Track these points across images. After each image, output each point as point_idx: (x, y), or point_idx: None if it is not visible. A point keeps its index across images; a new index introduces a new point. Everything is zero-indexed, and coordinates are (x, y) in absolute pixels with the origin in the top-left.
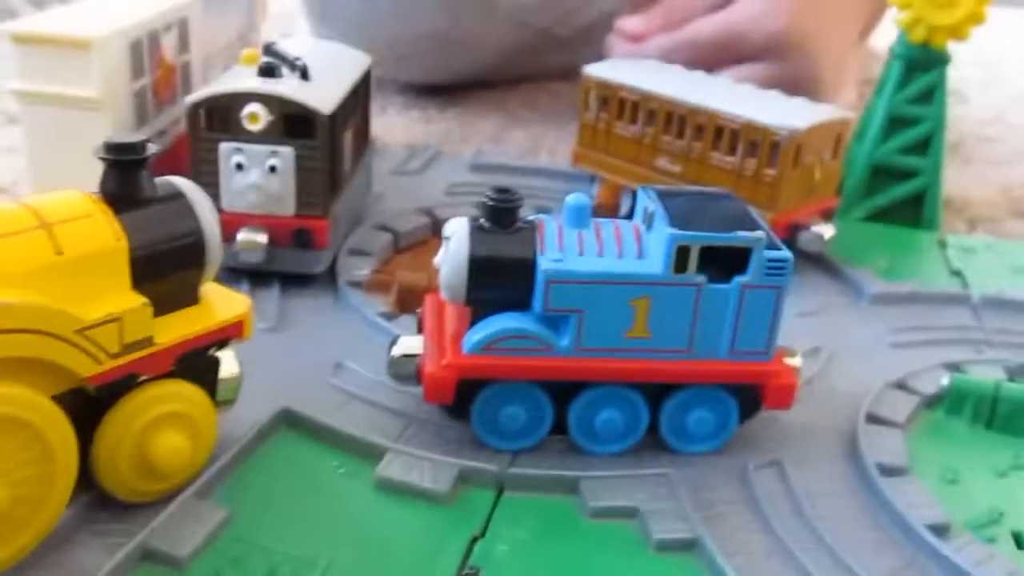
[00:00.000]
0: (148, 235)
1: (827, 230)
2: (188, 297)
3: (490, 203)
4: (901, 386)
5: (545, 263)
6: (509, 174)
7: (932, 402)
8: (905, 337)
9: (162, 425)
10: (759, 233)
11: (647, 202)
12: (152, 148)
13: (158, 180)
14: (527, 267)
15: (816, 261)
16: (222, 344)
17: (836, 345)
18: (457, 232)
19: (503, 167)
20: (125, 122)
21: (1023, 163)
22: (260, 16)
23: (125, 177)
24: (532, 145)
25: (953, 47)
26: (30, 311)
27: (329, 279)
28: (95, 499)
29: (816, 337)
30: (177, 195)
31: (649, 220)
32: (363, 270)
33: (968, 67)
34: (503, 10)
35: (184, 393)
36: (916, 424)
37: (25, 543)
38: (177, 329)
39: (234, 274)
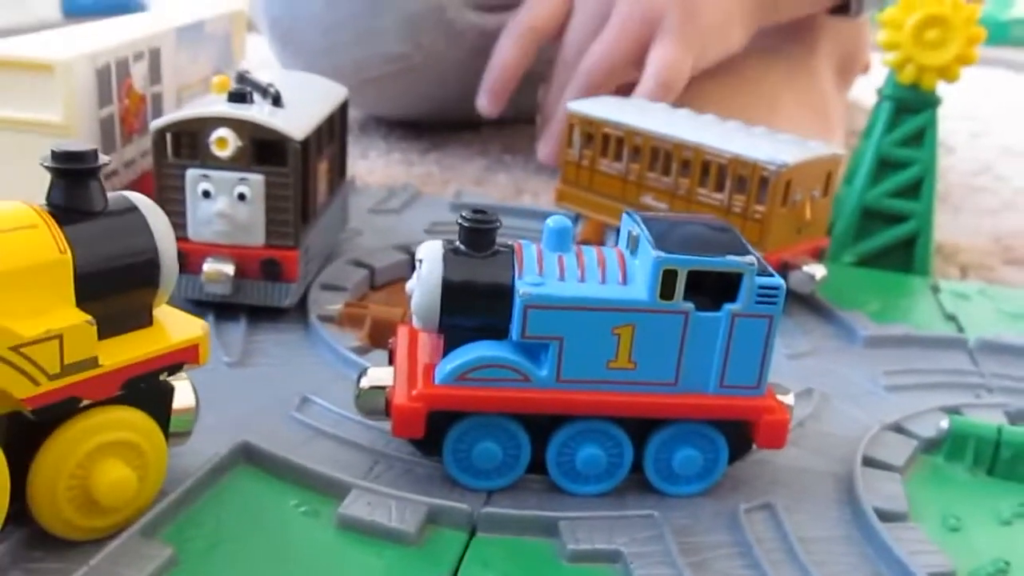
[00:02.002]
0: (96, 249)
1: (818, 270)
2: (139, 318)
3: (465, 224)
4: (898, 429)
5: (523, 287)
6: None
7: (931, 446)
8: (900, 380)
9: (106, 454)
10: (750, 258)
11: (631, 226)
12: (104, 159)
13: (112, 194)
14: (504, 292)
15: (807, 302)
16: (174, 369)
17: (829, 387)
18: (430, 255)
19: (485, 207)
20: None
21: (1013, 213)
22: (238, 52)
23: (73, 188)
24: (515, 188)
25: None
26: None
27: (299, 313)
28: (31, 535)
29: (808, 379)
30: (130, 209)
31: (633, 245)
32: (335, 304)
33: (954, 120)
34: (465, 36)
35: (131, 421)
36: (915, 468)
37: None
38: (125, 351)
39: (199, 307)
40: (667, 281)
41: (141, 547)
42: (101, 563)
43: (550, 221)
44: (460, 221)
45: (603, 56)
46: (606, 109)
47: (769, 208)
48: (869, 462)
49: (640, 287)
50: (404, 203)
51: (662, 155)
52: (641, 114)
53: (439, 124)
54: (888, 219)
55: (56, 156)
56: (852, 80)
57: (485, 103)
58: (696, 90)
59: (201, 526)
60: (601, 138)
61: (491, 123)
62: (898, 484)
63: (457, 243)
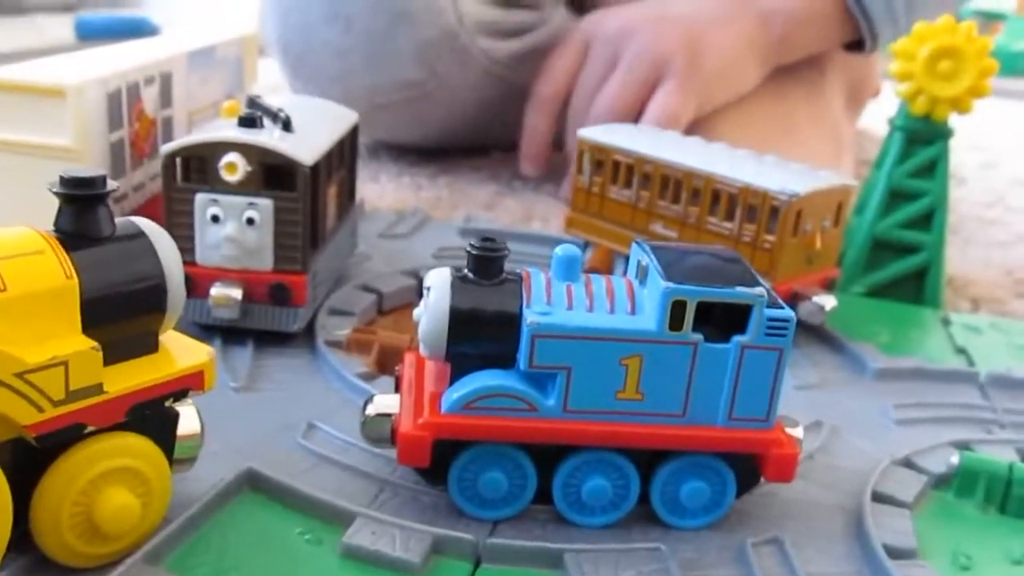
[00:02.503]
0: (103, 275)
1: (828, 301)
2: (146, 344)
3: (474, 252)
4: (908, 464)
5: (531, 316)
6: (499, 239)
7: (941, 482)
8: (910, 414)
9: (110, 481)
10: (760, 290)
11: (641, 256)
12: (112, 184)
13: (120, 220)
14: (512, 321)
15: (816, 333)
16: (180, 395)
17: (838, 420)
18: (437, 283)
19: (493, 232)
20: None
21: None
22: (249, 76)
23: (81, 213)
24: (525, 214)
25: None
26: None
27: (307, 338)
28: (33, 561)
29: (817, 411)
30: (138, 235)
31: (643, 275)
32: (343, 329)
33: (965, 151)
34: (478, 63)
35: (136, 448)
36: (924, 505)
37: None
38: (130, 377)
39: (207, 331)
40: (676, 312)
41: (144, 575)
42: None
43: (559, 250)
44: (468, 249)
45: (612, 101)
46: (616, 136)
47: (779, 238)
48: (878, 497)
49: (649, 317)
50: (413, 228)
51: (672, 183)
52: (652, 142)
53: (450, 150)
54: (899, 250)
55: (64, 182)
56: (862, 106)
57: (528, 168)
58: (712, 113)
59: (205, 553)
60: (611, 165)
61: (501, 148)
62: (907, 520)
63: (465, 271)
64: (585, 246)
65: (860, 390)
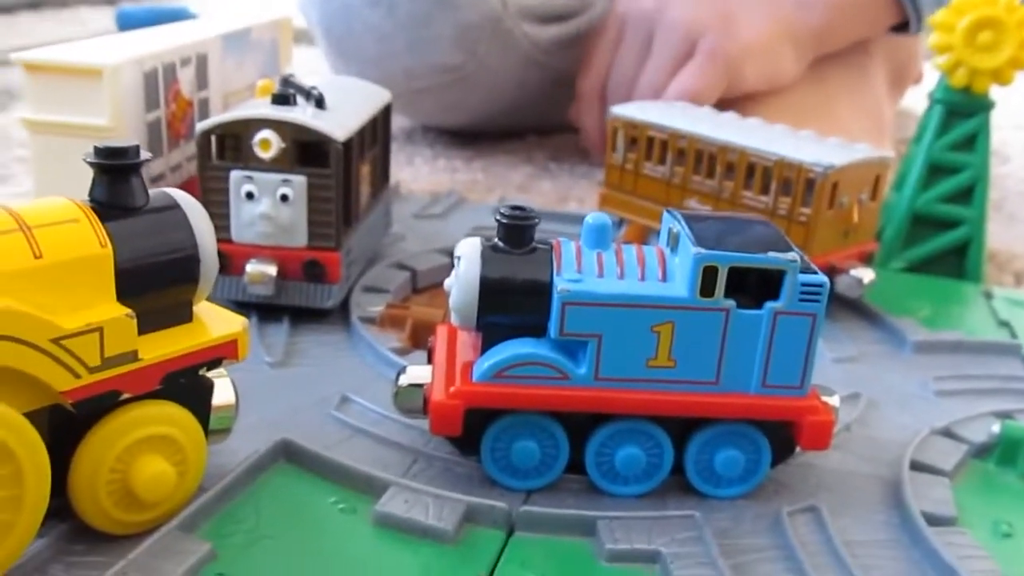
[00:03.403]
0: (136, 245)
1: (866, 274)
2: (180, 314)
3: (503, 221)
4: (947, 434)
5: (561, 284)
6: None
7: (981, 452)
8: (951, 386)
9: (146, 449)
10: (792, 255)
11: (672, 224)
12: (145, 155)
13: (154, 191)
14: (542, 289)
15: (854, 307)
16: (214, 364)
17: (876, 392)
18: (468, 252)
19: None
20: None
21: None
22: (284, 60)
23: (115, 184)
24: (560, 196)
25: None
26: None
27: (341, 315)
28: (72, 528)
29: (855, 384)
30: (171, 205)
31: (674, 242)
32: (377, 306)
33: (1009, 130)
34: (520, 47)
35: (171, 415)
36: (964, 474)
37: None
38: (164, 345)
39: (242, 308)
40: (707, 278)
41: (179, 542)
42: (139, 557)
43: (589, 218)
44: (498, 218)
45: (650, 88)
46: (650, 112)
47: (815, 211)
48: (917, 466)
49: (680, 284)
50: (448, 209)
51: (706, 158)
52: (685, 117)
53: (486, 133)
54: (939, 225)
55: (98, 152)
56: (904, 90)
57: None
58: (748, 100)
59: (240, 522)
60: (645, 141)
61: (537, 132)
62: (947, 489)
63: (495, 240)
64: (620, 223)
65: (899, 363)
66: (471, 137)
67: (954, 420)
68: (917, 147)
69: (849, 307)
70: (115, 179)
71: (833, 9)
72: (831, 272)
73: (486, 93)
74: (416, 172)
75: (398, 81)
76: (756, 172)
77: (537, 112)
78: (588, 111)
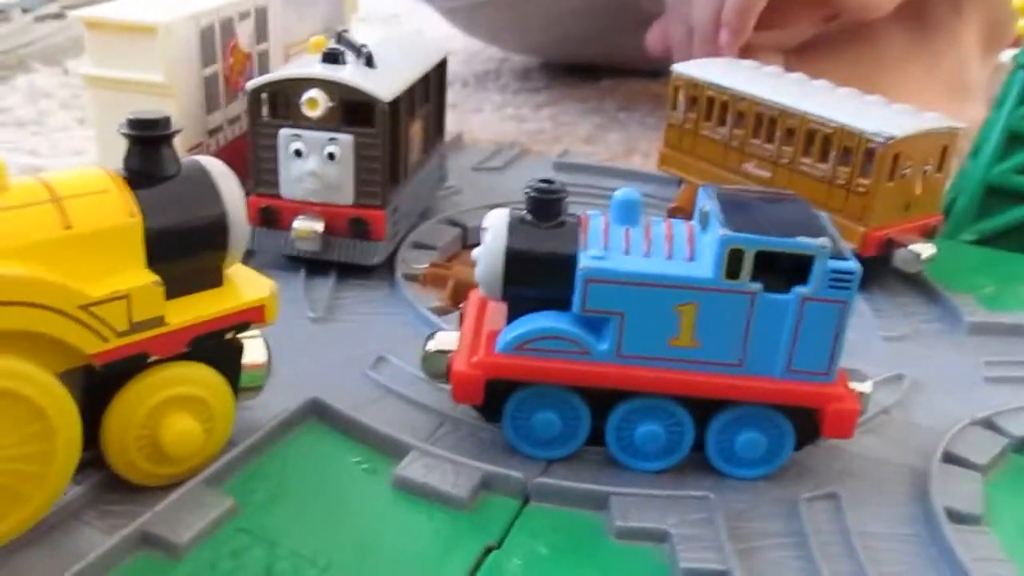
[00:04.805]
0: (165, 213)
1: (925, 249)
2: (210, 278)
3: (532, 194)
4: (989, 424)
5: (584, 260)
6: (594, 174)
7: (1022, 446)
8: (1002, 372)
9: (173, 408)
10: (823, 240)
11: (704, 201)
12: (176, 126)
13: (185, 159)
14: (567, 264)
15: (912, 282)
16: (241, 328)
17: (922, 374)
18: (495, 224)
19: (588, 167)
20: (194, 108)
21: None
22: (349, 7)
23: (147, 154)
24: (626, 148)
25: None
26: (29, 284)
27: (387, 271)
28: (106, 478)
29: (901, 363)
30: (201, 174)
31: (704, 221)
32: (422, 263)
33: None
34: None
35: (198, 377)
36: (999, 468)
37: (23, 519)
38: (192, 310)
39: (293, 262)
40: (733, 260)
41: (204, 496)
42: (165, 509)
43: (618, 193)
44: (527, 191)
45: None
46: (712, 72)
47: (874, 182)
48: (950, 458)
49: (706, 265)
50: (508, 161)
51: (767, 121)
52: (748, 78)
53: (556, 77)
54: (1014, 197)
55: (130, 123)
56: (999, 52)
57: (725, 38)
58: (812, 53)
59: (264, 479)
60: (705, 102)
61: (611, 76)
62: (977, 484)
63: (524, 213)
64: (680, 183)
65: (951, 344)
66: (540, 84)
67: (999, 410)
68: (996, 114)
69: (907, 282)
70: (146, 149)
71: None
72: (889, 246)
73: (549, 11)
74: (483, 120)
75: None
76: (816, 139)
77: (608, 45)
78: (675, 23)
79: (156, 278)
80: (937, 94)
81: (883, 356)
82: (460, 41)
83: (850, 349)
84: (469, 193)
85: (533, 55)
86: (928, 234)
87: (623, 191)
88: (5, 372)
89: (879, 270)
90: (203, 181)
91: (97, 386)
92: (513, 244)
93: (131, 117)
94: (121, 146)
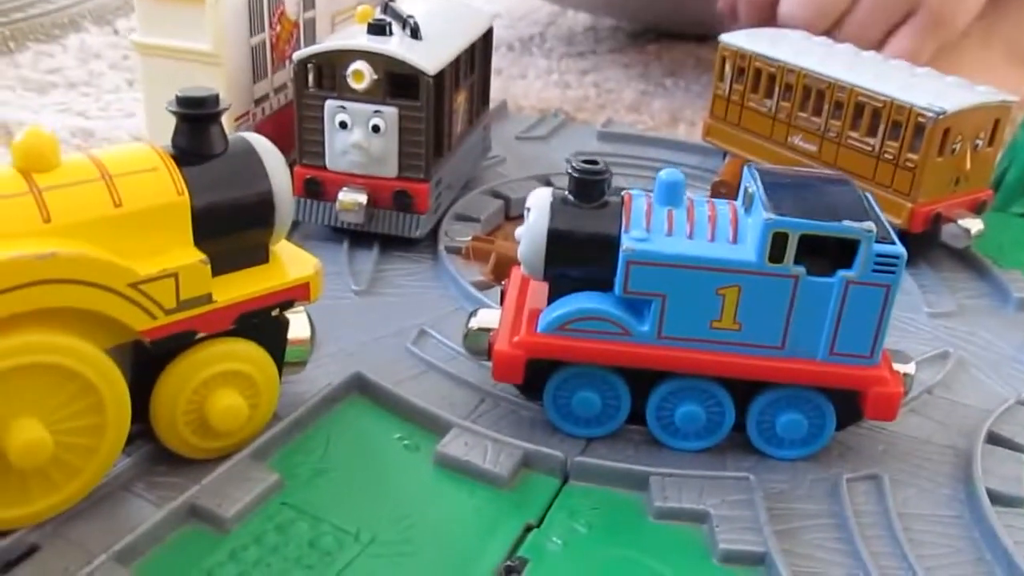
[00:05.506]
0: (213, 191)
1: (974, 224)
2: (256, 255)
3: (575, 174)
4: None
5: (627, 242)
6: (637, 144)
7: None
8: None
9: (219, 383)
10: (868, 224)
11: (749, 182)
12: (224, 104)
13: (233, 136)
14: (610, 245)
15: (960, 258)
16: (286, 306)
17: (968, 352)
18: (538, 204)
19: (632, 137)
20: (241, 76)
21: None
22: None
23: (195, 131)
24: (671, 117)
25: None
26: (80, 262)
27: (430, 243)
28: (156, 450)
29: (947, 341)
30: (248, 151)
31: (748, 202)
32: (465, 236)
33: None
34: None
35: (245, 353)
36: None
37: (74, 491)
38: (238, 288)
39: (337, 233)
40: (777, 244)
41: (250, 470)
42: (212, 483)
43: (662, 174)
44: (570, 171)
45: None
46: (759, 43)
47: (923, 157)
48: (995, 439)
49: (749, 248)
50: (551, 130)
51: (814, 94)
52: (796, 49)
53: (601, 42)
54: None
55: (179, 101)
56: None
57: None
58: None
59: (309, 453)
60: (753, 73)
61: (658, 42)
62: (1021, 465)
63: (566, 192)
64: (725, 155)
65: (999, 321)
66: (588, 50)
67: None
68: None
69: (955, 257)
70: (194, 127)
71: None
72: (937, 221)
73: None
74: (528, 86)
75: None
76: (865, 112)
77: (668, 9)
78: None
79: (203, 256)
80: (998, 58)
81: (928, 333)
82: (505, 2)
83: (895, 325)
84: (512, 163)
85: (595, 12)
86: (977, 209)
87: (667, 172)
88: (58, 348)
89: (926, 245)
90: (250, 159)
91: (146, 361)
92: (555, 225)
93: (180, 95)
94: (168, 113)
